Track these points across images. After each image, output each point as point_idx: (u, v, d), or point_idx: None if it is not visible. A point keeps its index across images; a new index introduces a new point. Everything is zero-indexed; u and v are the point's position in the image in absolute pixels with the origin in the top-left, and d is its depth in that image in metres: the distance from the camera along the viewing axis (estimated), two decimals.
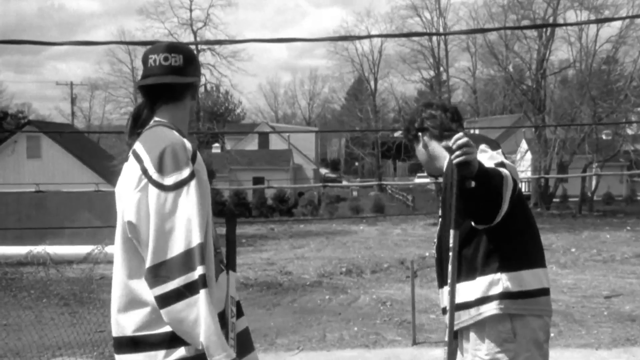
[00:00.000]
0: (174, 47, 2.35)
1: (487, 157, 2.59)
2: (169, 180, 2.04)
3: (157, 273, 2.01)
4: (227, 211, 2.57)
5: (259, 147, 49.33)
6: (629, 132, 36.79)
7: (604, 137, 36.83)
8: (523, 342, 2.55)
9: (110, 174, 31.41)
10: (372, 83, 59.63)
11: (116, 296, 2.15)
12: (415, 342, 7.35)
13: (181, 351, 2.04)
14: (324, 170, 64.30)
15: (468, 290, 2.61)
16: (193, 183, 2.05)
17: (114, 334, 2.17)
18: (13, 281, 12.15)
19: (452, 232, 2.43)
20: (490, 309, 2.55)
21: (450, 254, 2.43)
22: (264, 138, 49.64)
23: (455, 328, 2.69)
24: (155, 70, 2.28)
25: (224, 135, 51.06)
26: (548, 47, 35.87)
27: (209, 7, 48.83)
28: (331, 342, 7.59)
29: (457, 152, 2.34)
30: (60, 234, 15.20)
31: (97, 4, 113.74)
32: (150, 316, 2.05)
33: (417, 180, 48.91)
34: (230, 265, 2.34)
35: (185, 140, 2.16)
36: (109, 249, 10.09)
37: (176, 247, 2.00)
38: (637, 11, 31.93)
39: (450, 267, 2.43)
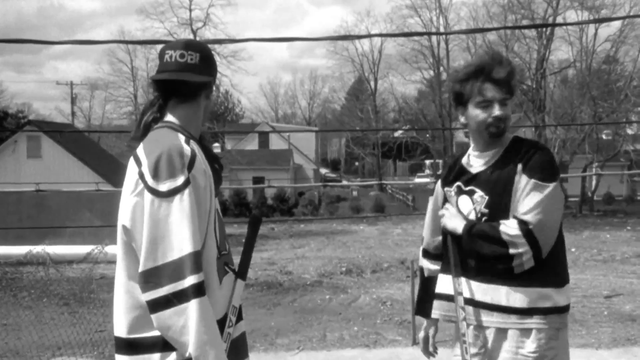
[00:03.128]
0: (191, 45, 2.29)
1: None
2: (163, 187, 2.02)
3: (148, 279, 2.00)
4: (252, 216, 2.51)
5: (259, 147, 49.36)
6: (629, 132, 36.80)
7: (604, 137, 36.82)
8: (561, 348, 2.64)
9: (111, 174, 31.42)
10: (372, 83, 59.76)
11: (117, 296, 2.15)
12: (415, 342, 7.34)
13: (175, 355, 2.04)
14: (324, 170, 64.31)
15: (513, 296, 2.57)
16: (187, 191, 2.02)
17: (115, 333, 2.17)
18: (13, 281, 12.13)
19: (453, 279, 2.65)
20: (538, 322, 2.56)
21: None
22: (264, 138, 49.68)
23: (484, 324, 2.64)
24: (170, 66, 2.23)
25: (224, 135, 51.07)
26: (548, 47, 35.88)
27: (208, 7, 49.17)
28: (331, 342, 7.59)
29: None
30: (60, 234, 15.20)
31: (97, 3, 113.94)
32: (145, 318, 2.05)
33: (417, 180, 48.93)
34: (241, 273, 2.31)
35: (184, 145, 2.11)
36: (109, 249, 10.08)
37: (167, 255, 1.99)
38: (636, 11, 31.94)
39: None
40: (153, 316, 2.01)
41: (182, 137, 2.16)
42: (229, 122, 61.83)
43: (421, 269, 3.04)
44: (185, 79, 2.23)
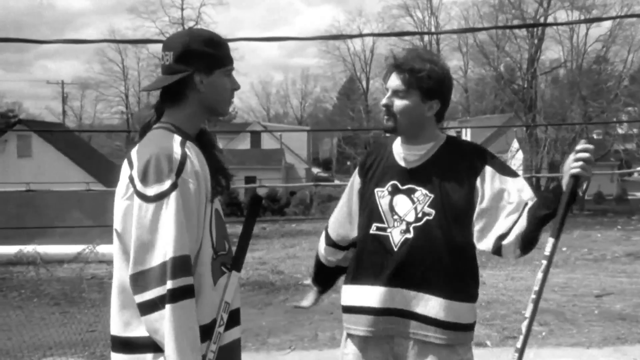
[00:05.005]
0: (167, 43, 2.21)
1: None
2: (150, 191, 2.01)
3: (136, 282, 2.01)
4: (252, 196, 2.39)
5: (250, 147, 49.28)
6: (620, 131, 37.03)
7: (594, 136, 37.05)
8: None
9: (102, 173, 31.30)
10: (363, 82, 59.77)
11: (113, 295, 2.14)
12: None
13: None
14: (316, 170, 64.29)
15: (461, 311, 2.50)
16: (173, 195, 1.99)
17: (111, 332, 2.17)
18: (3, 281, 12.10)
19: (551, 240, 2.27)
20: (470, 339, 2.58)
21: (544, 262, 2.27)
22: (256, 137, 49.57)
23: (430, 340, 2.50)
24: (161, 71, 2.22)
25: (216, 135, 50.79)
26: (539, 47, 36.01)
27: (200, 6, 49.00)
28: (323, 342, 7.59)
29: (578, 163, 2.24)
30: (50, 234, 15.14)
31: (87, 2, 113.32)
32: (139, 318, 2.05)
33: None
34: (234, 263, 2.25)
35: (175, 149, 2.06)
36: (100, 249, 10.07)
37: (154, 259, 1.99)
38: (626, 11, 32.07)
39: (541, 274, 2.28)
40: (142, 319, 2.02)
41: (177, 139, 2.11)
42: (220, 121, 61.71)
43: (318, 255, 2.90)
44: (156, 87, 2.21)
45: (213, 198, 2.18)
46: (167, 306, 1.96)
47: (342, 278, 2.79)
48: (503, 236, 2.40)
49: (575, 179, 2.25)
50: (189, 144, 2.13)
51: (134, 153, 2.11)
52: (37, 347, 6.97)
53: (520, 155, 36.35)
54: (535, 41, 35.72)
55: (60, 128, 40.26)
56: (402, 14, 49.14)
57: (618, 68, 36.25)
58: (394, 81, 2.50)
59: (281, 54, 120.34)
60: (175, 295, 1.97)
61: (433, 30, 47.43)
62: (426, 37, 46.86)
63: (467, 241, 2.48)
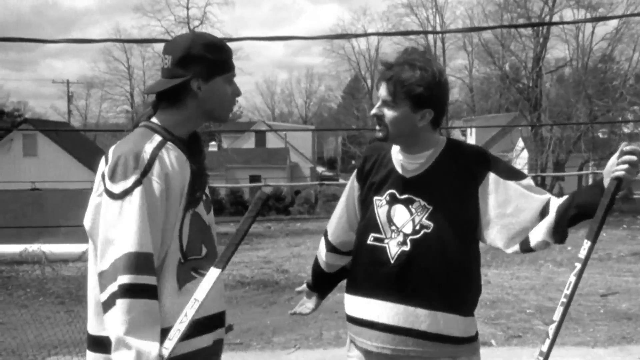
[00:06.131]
0: (167, 46, 2.18)
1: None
2: (116, 189, 1.99)
3: (100, 280, 2.01)
4: (258, 194, 2.30)
5: (255, 146, 49.35)
6: (625, 130, 36.90)
7: (600, 135, 36.91)
8: None
9: None
10: (368, 81, 59.68)
11: (88, 293, 2.15)
12: None
13: None
14: (320, 169, 64.30)
15: (459, 325, 2.43)
16: (137, 191, 1.97)
17: (87, 329, 2.18)
18: (9, 279, 12.14)
19: (587, 242, 2.22)
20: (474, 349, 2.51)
21: (578, 264, 2.22)
22: (260, 136, 49.64)
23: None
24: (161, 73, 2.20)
25: (221, 134, 51.02)
26: (544, 46, 35.92)
27: (205, 5, 49.36)
28: (328, 340, 7.58)
29: (624, 166, 2.14)
30: (55, 232, 15.18)
31: (93, 1, 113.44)
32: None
33: None
34: (219, 261, 2.12)
35: (146, 148, 2.04)
36: None
37: (114, 256, 1.97)
38: (633, 10, 31.98)
39: (574, 278, 2.22)
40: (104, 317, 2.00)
41: (155, 139, 2.09)
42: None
43: (317, 262, 2.85)
44: (154, 91, 2.19)
45: (188, 208, 2.13)
46: (119, 301, 1.92)
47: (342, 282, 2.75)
48: (527, 237, 2.37)
49: (618, 181, 2.17)
50: (169, 145, 2.10)
51: (110, 150, 2.11)
52: (42, 345, 6.99)
53: (525, 154, 36.28)
54: (541, 40, 35.62)
55: (66, 127, 40.29)
56: (407, 13, 49.13)
57: (624, 67, 36.15)
58: (383, 91, 2.40)
59: (286, 53, 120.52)
60: (132, 291, 1.93)
61: (438, 29, 47.36)
62: (431, 36, 46.82)
63: (469, 254, 2.43)
